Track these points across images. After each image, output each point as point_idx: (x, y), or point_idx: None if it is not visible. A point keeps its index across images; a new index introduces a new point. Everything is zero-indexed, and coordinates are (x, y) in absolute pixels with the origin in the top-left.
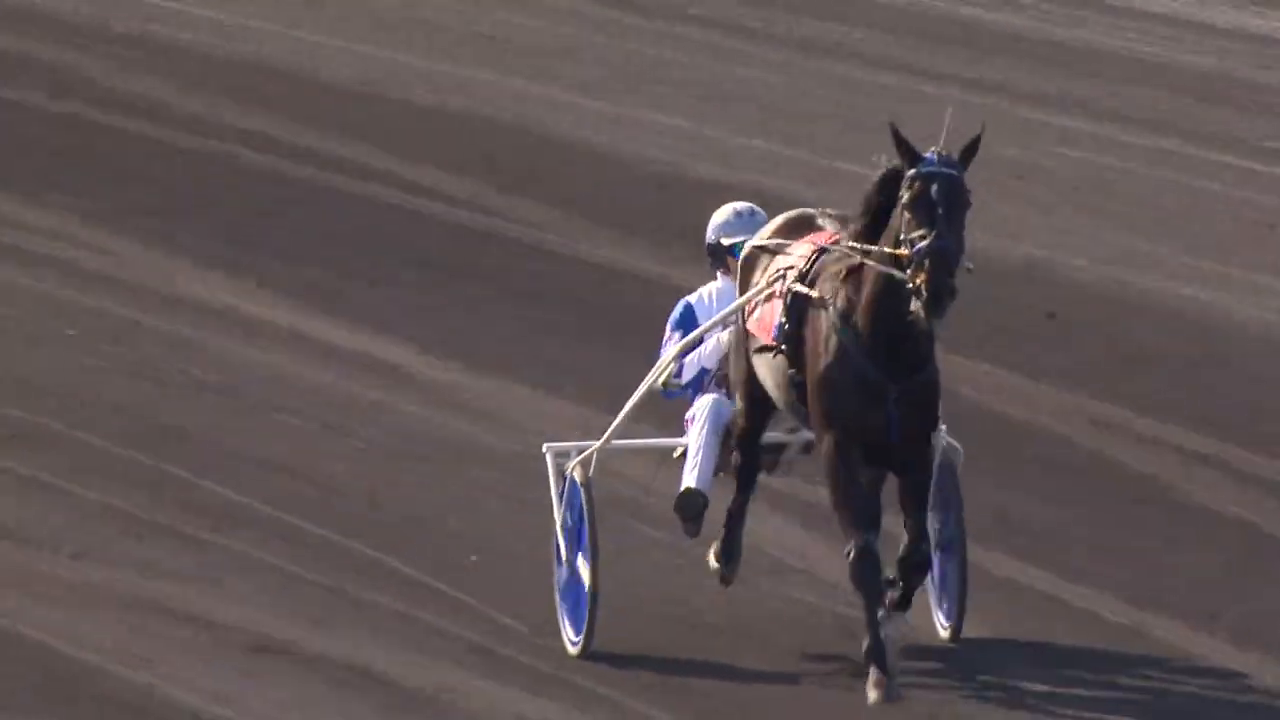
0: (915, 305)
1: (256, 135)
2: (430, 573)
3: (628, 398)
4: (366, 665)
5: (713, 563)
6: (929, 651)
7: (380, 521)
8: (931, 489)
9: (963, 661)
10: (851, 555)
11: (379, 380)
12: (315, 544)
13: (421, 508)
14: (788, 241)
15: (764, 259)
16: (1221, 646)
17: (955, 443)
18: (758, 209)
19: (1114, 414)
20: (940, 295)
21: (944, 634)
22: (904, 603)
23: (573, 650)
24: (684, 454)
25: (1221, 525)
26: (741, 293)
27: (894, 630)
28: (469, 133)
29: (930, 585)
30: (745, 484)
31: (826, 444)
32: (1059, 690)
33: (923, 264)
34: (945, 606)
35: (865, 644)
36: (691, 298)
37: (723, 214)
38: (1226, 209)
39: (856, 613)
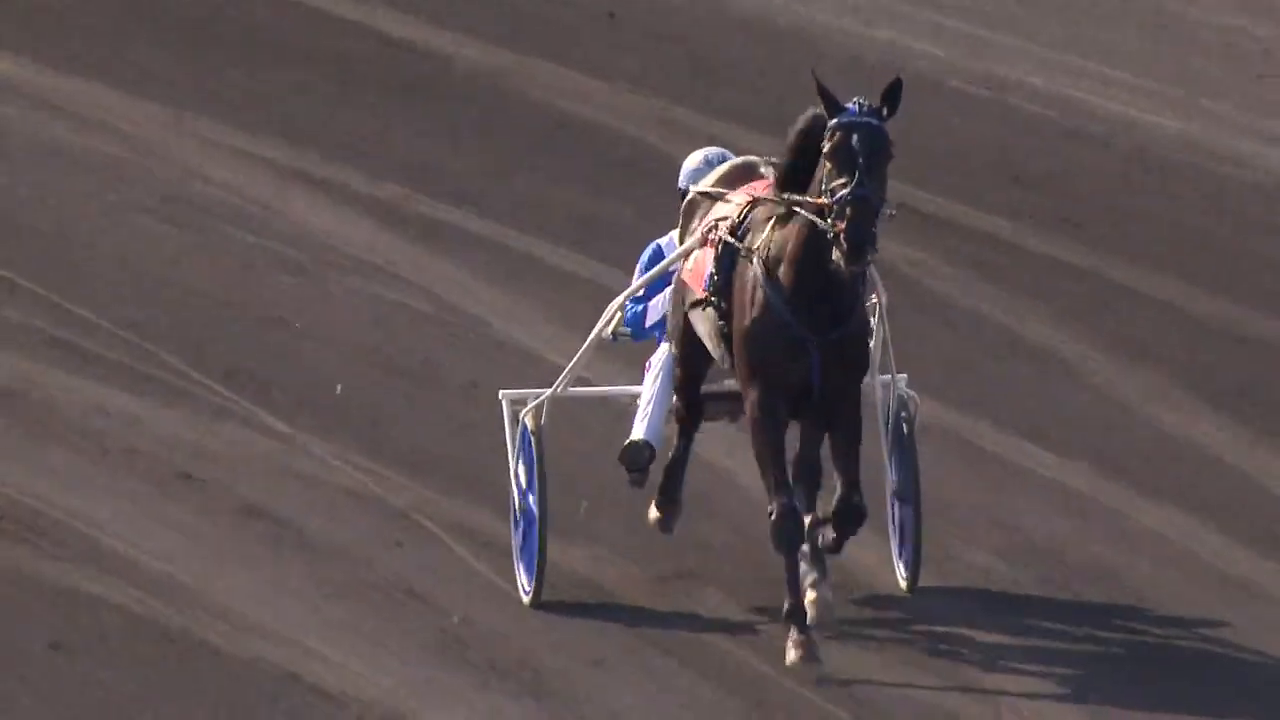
0: (835, 254)
1: None
2: None
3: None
4: None
5: (653, 513)
6: (888, 600)
7: None
8: (885, 440)
9: (920, 610)
10: (773, 515)
11: None
12: None
13: None
14: (727, 190)
15: (704, 206)
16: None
17: (913, 394)
18: (728, 153)
19: None
20: (860, 244)
21: (903, 584)
22: (836, 547)
23: (525, 599)
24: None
25: None
26: (682, 240)
27: (828, 592)
28: None
29: (891, 535)
30: (685, 432)
31: (750, 400)
32: (1014, 639)
33: (844, 212)
34: (905, 556)
35: (785, 605)
36: (662, 240)
37: (693, 160)
38: None
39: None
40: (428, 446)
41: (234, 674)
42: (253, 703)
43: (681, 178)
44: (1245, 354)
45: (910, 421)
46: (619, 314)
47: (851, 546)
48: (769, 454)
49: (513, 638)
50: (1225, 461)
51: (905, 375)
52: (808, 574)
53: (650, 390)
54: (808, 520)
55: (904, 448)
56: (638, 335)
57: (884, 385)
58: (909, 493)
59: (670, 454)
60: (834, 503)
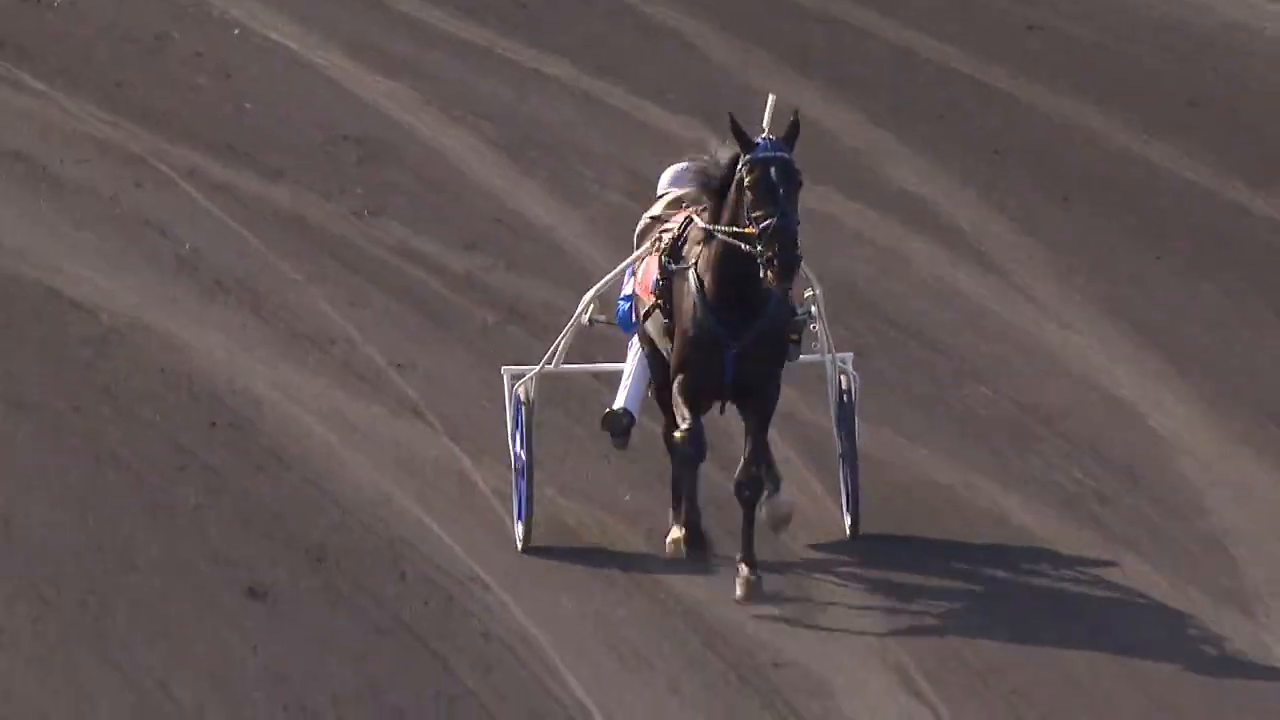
0: (767, 275)
1: None
2: None
3: None
4: None
5: (679, 548)
6: (835, 546)
7: None
8: (833, 412)
9: (860, 554)
10: (682, 433)
11: None
12: None
13: None
14: (673, 213)
15: (654, 229)
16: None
17: (855, 373)
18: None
19: None
20: (789, 267)
21: (847, 530)
22: (748, 554)
23: (519, 545)
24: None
25: None
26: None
27: (747, 585)
28: None
29: (841, 490)
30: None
31: (677, 381)
32: (944, 581)
33: (772, 242)
34: (849, 507)
35: (743, 544)
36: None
37: (673, 170)
38: None
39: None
40: (161, 104)
41: (1, 290)
42: (18, 314)
43: (662, 185)
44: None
45: (851, 395)
46: (595, 304)
47: (807, 500)
48: (684, 401)
49: (237, 262)
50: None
51: (850, 354)
52: (679, 517)
53: (629, 367)
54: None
55: (847, 416)
56: (625, 328)
57: (829, 363)
58: (851, 455)
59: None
60: (736, 473)
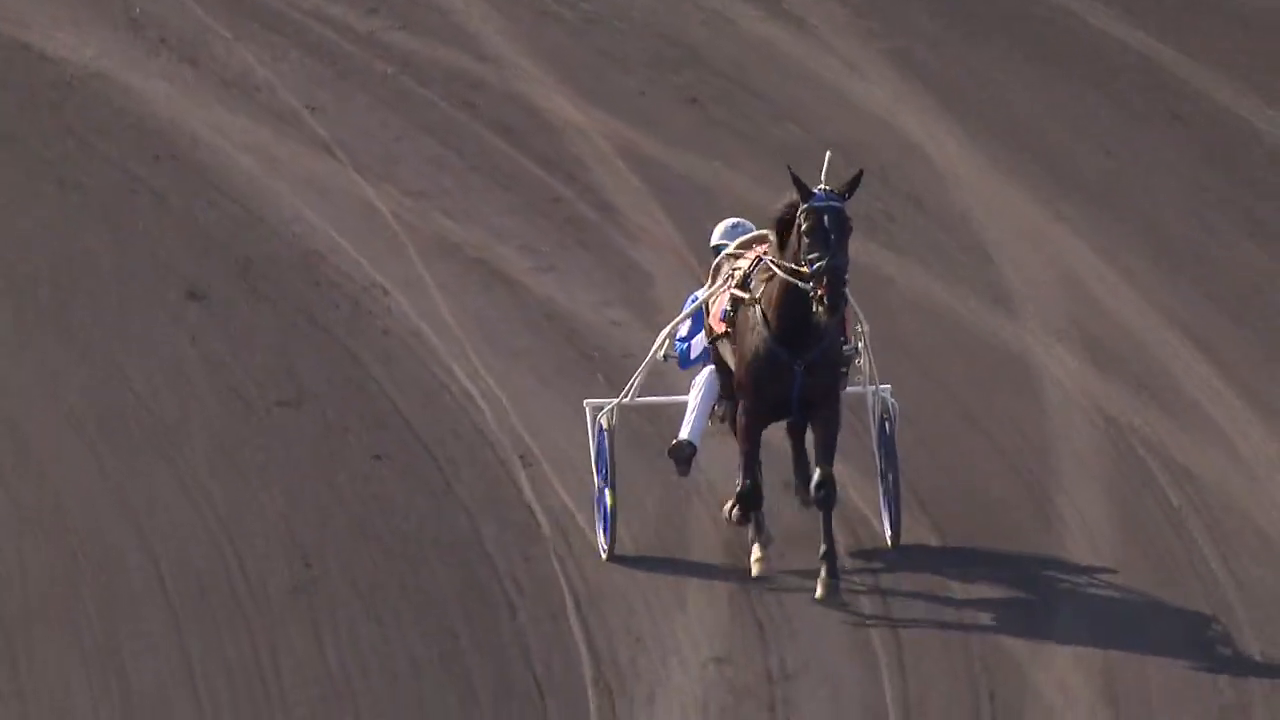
0: (818, 310)
1: None
2: None
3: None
4: None
5: (755, 557)
6: (875, 554)
7: None
8: (875, 436)
9: (901, 562)
10: (740, 487)
11: None
12: None
13: None
14: (743, 252)
15: (726, 264)
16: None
17: (894, 402)
18: (746, 222)
19: None
20: (836, 303)
21: (889, 541)
22: (830, 563)
23: (603, 555)
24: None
25: None
26: (711, 286)
27: (763, 565)
28: None
29: (881, 507)
30: (749, 456)
31: (743, 406)
32: (983, 587)
33: (822, 279)
34: (890, 520)
35: (755, 531)
36: (700, 291)
37: (723, 225)
38: None
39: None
40: None
41: None
42: None
43: (714, 236)
44: None
45: (892, 421)
46: (669, 341)
47: (850, 513)
48: (748, 446)
49: (178, 23)
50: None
51: (889, 385)
52: (759, 537)
53: (693, 402)
54: (802, 487)
55: (888, 439)
56: (684, 364)
57: (872, 394)
58: (893, 473)
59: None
60: (815, 478)
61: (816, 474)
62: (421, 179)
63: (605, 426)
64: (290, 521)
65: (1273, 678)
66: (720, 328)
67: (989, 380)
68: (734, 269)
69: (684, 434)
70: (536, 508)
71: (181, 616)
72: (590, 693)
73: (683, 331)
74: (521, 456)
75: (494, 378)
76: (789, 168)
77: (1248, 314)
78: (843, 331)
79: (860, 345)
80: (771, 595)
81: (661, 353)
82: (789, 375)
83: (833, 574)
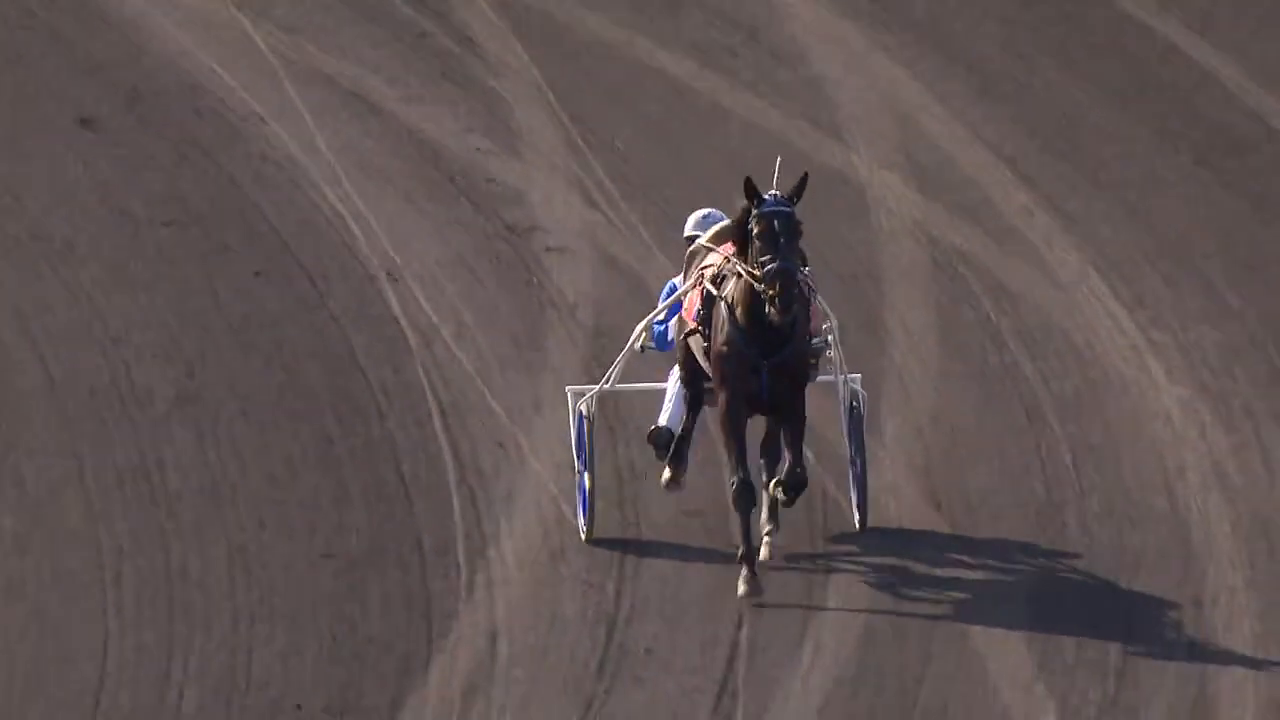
0: (769, 309)
1: None
2: None
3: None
4: None
5: (665, 474)
6: (845, 537)
7: None
8: (844, 423)
9: (869, 545)
10: (733, 486)
11: None
12: None
13: None
14: (714, 248)
15: (701, 254)
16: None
17: (863, 391)
18: (717, 212)
19: None
20: (787, 303)
21: (857, 525)
22: (789, 503)
23: (583, 536)
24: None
25: None
26: (686, 276)
27: (777, 539)
28: None
29: (851, 491)
30: (692, 410)
31: (720, 402)
32: (947, 571)
33: (773, 281)
34: (858, 504)
35: (739, 551)
36: (676, 279)
37: (694, 216)
38: None
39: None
40: None
41: None
42: None
43: (687, 227)
44: None
45: (860, 409)
46: (645, 332)
47: (819, 500)
48: (731, 441)
49: None
50: None
51: (859, 375)
52: (766, 525)
53: (671, 389)
54: (771, 485)
55: (856, 428)
56: (660, 348)
57: (842, 384)
58: (861, 459)
59: (681, 429)
60: (783, 473)
61: (787, 470)
62: (296, 15)
63: (585, 413)
64: (175, 333)
65: (1083, 481)
66: (692, 323)
67: (824, 207)
68: (704, 266)
69: (662, 420)
70: (403, 321)
71: (73, 420)
72: (454, 494)
73: (661, 316)
74: (389, 273)
75: (364, 200)
76: (746, 178)
77: (1061, 143)
78: (811, 326)
79: (830, 339)
80: (622, 401)
81: (638, 344)
82: (757, 375)
83: (753, 568)
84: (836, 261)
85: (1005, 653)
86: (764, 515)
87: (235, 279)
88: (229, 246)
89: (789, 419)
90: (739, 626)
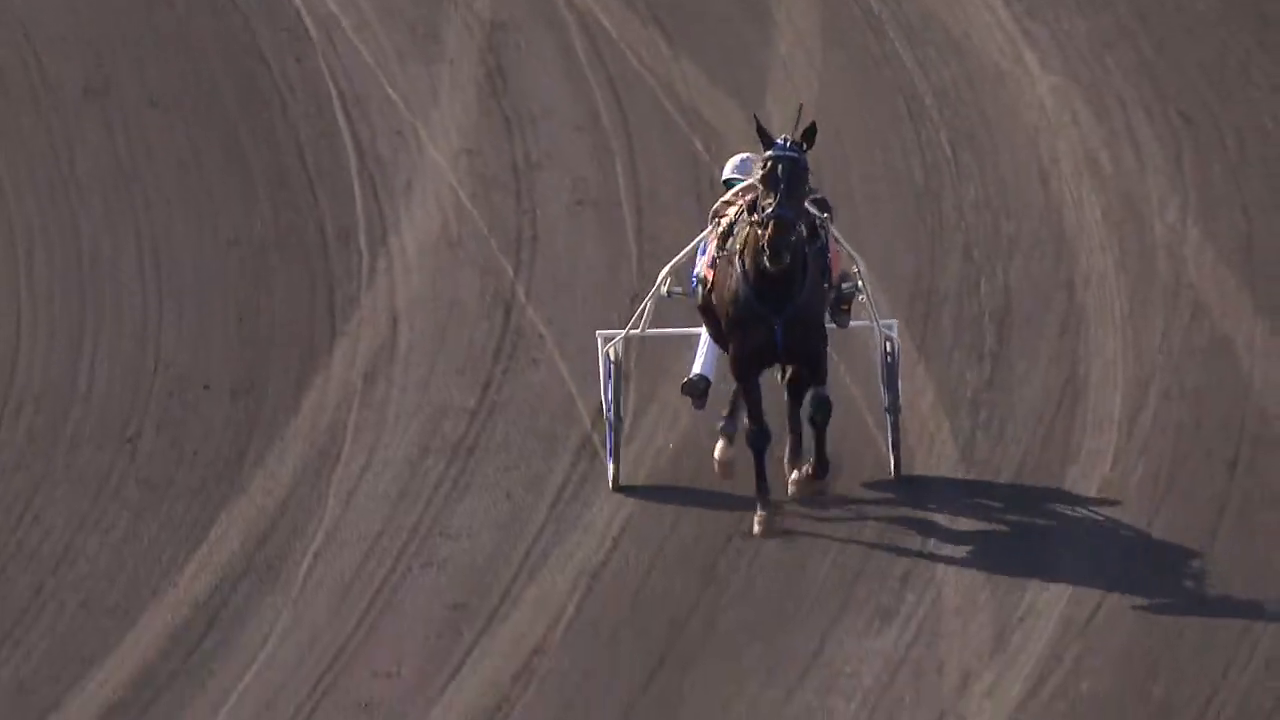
0: (763, 257)
1: None
2: None
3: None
4: None
5: (719, 451)
6: (881, 483)
7: None
8: (880, 371)
9: (902, 490)
10: (749, 430)
11: None
12: None
13: None
14: (735, 200)
15: (722, 209)
16: None
17: (897, 338)
18: (754, 156)
19: None
20: (779, 249)
21: (892, 470)
22: (820, 464)
23: (611, 485)
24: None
25: None
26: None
27: (796, 486)
28: None
29: (885, 439)
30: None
31: (731, 354)
32: (979, 517)
33: (768, 225)
34: (893, 454)
35: (757, 490)
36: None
37: (732, 161)
38: None
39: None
40: None
41: None
42: None
43: (725, 170)
44: None
45: (895, 356)
46: (671, 276)
47: (856, 443)
48: (744, 389)
49: None
50: None
51: (895, 321)
52: (795, 460)
53: (705, 337)
54: (800, 414)
55: (891, 375)
56: (691, 296)
57: (877, 330)
58: (895, 407)
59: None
60: (810, 401)
61: (812, 397)
62: None
63: (613, 358)
64: (85, 24)
65: (961, 169)
66: (710, 275)
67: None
68: (721, 216)
69: (696, 369)
70: (305, 14)
71: None
72: (355, 182)
73: (687, 261)
74: None
75: (396, 68)
76: (755, 116)
77: None
78: (830, 274)
79: (860, 284)
80: (519, 93)
81: (665, 289)
82: (768, 328)
83: (767, 507)
84: None
85: None
86: (787, 455)
87: None
88: None
89: (810, 366)
90: (631, 300)
